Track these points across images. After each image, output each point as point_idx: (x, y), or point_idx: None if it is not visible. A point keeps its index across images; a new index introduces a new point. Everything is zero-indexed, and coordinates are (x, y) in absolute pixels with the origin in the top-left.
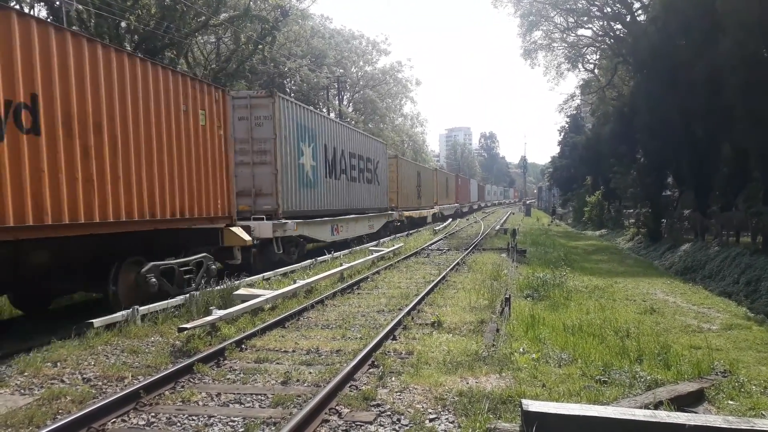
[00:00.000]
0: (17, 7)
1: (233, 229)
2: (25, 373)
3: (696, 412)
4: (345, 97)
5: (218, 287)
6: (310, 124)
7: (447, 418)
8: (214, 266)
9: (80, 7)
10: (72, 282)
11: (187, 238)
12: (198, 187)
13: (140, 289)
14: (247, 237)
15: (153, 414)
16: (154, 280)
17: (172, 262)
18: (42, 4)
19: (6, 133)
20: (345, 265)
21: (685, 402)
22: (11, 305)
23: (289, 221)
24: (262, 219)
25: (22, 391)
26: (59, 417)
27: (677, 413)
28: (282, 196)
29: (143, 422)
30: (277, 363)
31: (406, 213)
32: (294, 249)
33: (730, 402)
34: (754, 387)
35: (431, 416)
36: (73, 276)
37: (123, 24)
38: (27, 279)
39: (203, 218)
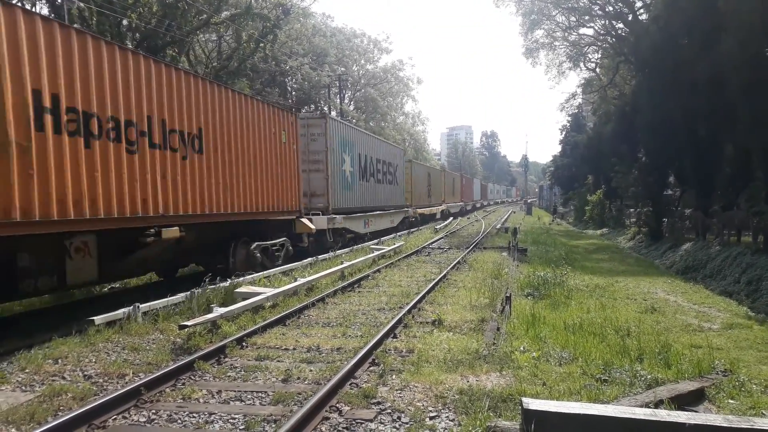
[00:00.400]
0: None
1: (303, 220)
2: (27, 370)
3: (696, 411)
4: (346, 95)
5: (222, 284)
6: (349, 137)
7: (447, 416)
8: (290, 248)
9: (82, 5)
10: (206, 256)
11: (272, 227)
12: (281, 189)
13: (249, 260)
14: (312, 226)
15: (154, 411)
16: (258, 254)
17: (267, 243)
18: (44, 1)
19: (188, 153)
20: (346, 264)
21: (685, 401)
22: (156, 273)
23: (337, 216)
24: (318, 214)
25: (23, 387)
26: (60, 414)
27: (678, 412)
28: (331, 197)
29: (144, 419)
30: (278, 361)
31: (419, 210)
32: (339, 238)
33: (731, 401)
34: (754, 386)
35: (431, 414)
36: (207, 251)
37: (125, 22)
38: (182, 253)
39: (283, 212)
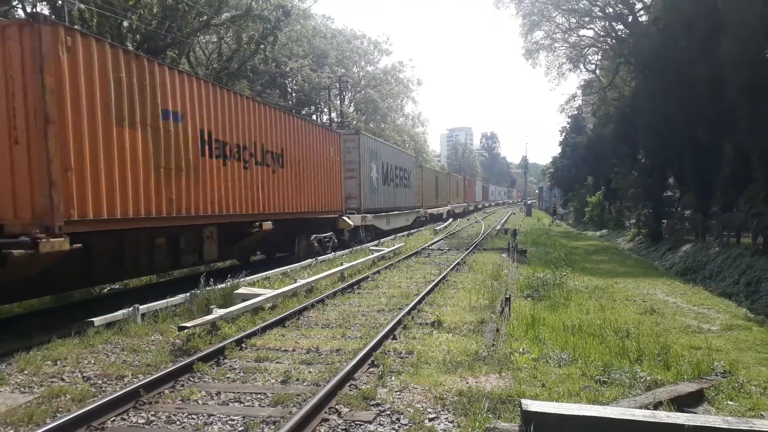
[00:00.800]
0: (19, 6)
1: (344, 218)
2: (25, 371)
3: (695, 413)
4: (346, 96)
5: (219, 286)
6: (375, 149)
7: (446, 418)
8: (336, 240)
9: (82, 6)
10: (278, 246)
11: (322, 223)
12: (330, 193)
13: (309, 249)
14: (351, 223)
15: (153, 413)
16: (315, 244)
17: (321, 235)
18: (44, 3)
19: (266, 166)
20: (345, 265)
21: (684, 402)
22: (237, 258)
23: (368, 215)
24: (354, 213)
25: (22, 389)
26: (59, 415)
27: (677, 413)
28: (362, 199)
29: (143, 421)
30: (277, 362)
31: (429, 210)
32: (368, 234)
33: (730, 402)
34: (753, 388)
35: (431, 416)
36: (281, 241)
37: (125, 23)
38: (266, 242)
39: (331, 211)
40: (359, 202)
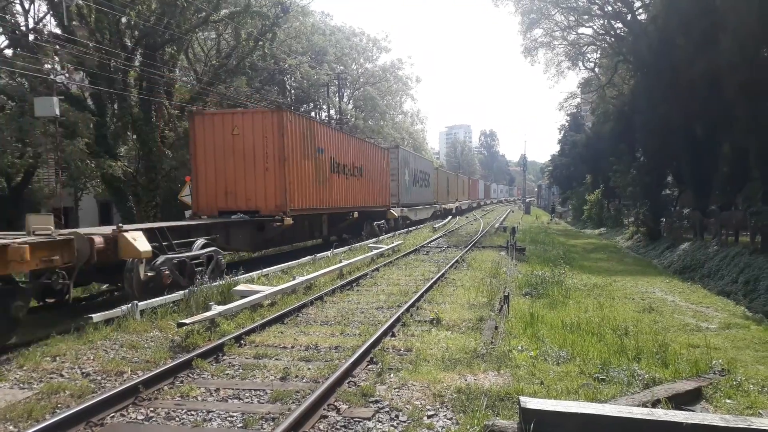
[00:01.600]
0: (17, 2)
1: (391, 210)
2: (24, 368)
3: (693, 411)
4: (345, 94)
5: (218, 283)
6: (407, 158)
7: (445, 415)
8: (386, 226)
9: (80, 2)
10: (352, 231)
11: (378, 213)
12: (382, 192)
13: (371, 232)
14: (397, 214)
15: (152, 409)
16: (377, 229)
17: (378, 222)
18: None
19: (355, 176)
20: (344, 262)
21: (682, 400)
22: (336, 236)
23: (404, 208)
24: (395, 207)
25: (21, 385)
26: (58, 411)
27: (675, 411)
28: (399, 196)
29: (142, 417)
30: (276, 359)
31: (443, 205)
32: (403, 223)
33: (728, 401)
34: (751, 386)
35: (429, 413)
36: (356, 226)
37: (123, 19)
38: (348, 227)
39: (383, 206)
40: (397, 199)
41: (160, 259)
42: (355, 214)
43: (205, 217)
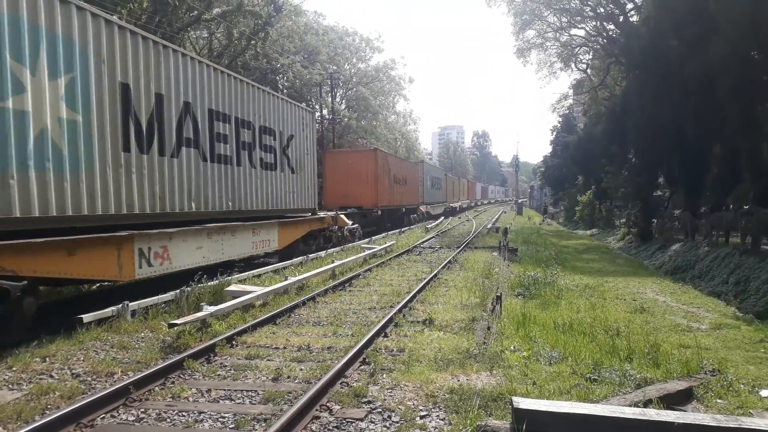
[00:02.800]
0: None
1: (420, 207)
2: (14, 368)
3: (685, 411)
4: (338, 93)
5: (209, 283)
6: (428, 169)
7: (438, 415)
8: (417, 218)
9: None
10: (400, 220)
11: (412, 209)
12: (415, 194)
13: (410, 222)
14: (423, 210)
15: (142, 410)
16: (412, 219)
17: (412, 216)
18: None
19: (403, 185)
20: (337, 263)
21: (674, 400)
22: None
23: (427, 206)
24: (422, 205)
25: (11, 386)
26: (48, 412)
27: (666, 411)
28: (424, 197)
29: (133, 418)
30: (268, 359)
31: (450, 204)
32: (427, 216)
33: (719, 400)
34: (742, 386)
35: (422, 413)
36: (401, 218)
37: (115, 18)
38: (398, 218)
39: (415, 203)
40: (423, 199)
41: (351, 227)
42: (403, 209)
43: (333, 210)
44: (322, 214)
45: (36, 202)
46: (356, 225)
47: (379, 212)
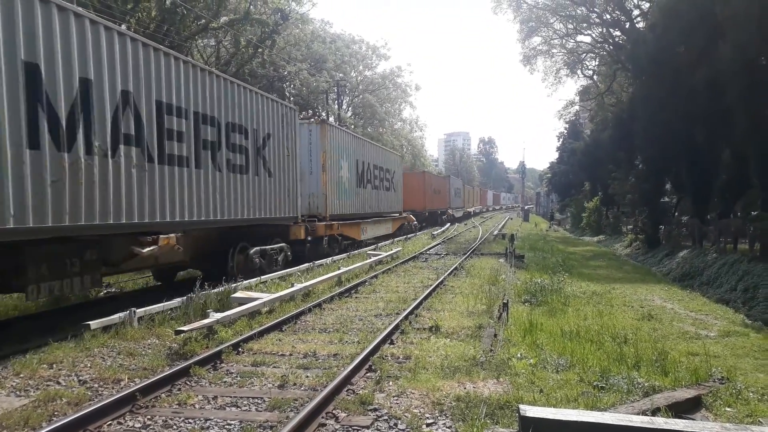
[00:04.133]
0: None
1: (449, 210)
2: (21, 375)
3: (693, 419)
4: (344, 101)
5: (215, 290)
6: (453, 181)
7: (444, 423)
8: (447, 218)
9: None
10: (435, 220)
11: (443, 212)
12: (444, 201)
13: (443, 222)
14: (450, 213)
15: (149, 416)
16: (444, 219)
17: (443, 217)
18: None
19: (439, 195)
20: (343, 269)
21: (682, 408)
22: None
23: (452, 209)
24: (449, 209)
25: (18, 392)
26: (55, 419)
27: (674, 420)
28: (450, 203)
29: (139, 425)
30: (274, 366)
31: (466, 209)
32: (453, 218)
33: (728, 409)
34: (751, 394)
35: (428, 421)
36: (436, 219)
37: (123, 26)
38: (434, 220)
39: (445, 208)
40: (450, 204)
41: (415, 222)
42: (438, 212)
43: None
44: (404, 214)
45: None
46: (416, 222)
47: (427, 213)
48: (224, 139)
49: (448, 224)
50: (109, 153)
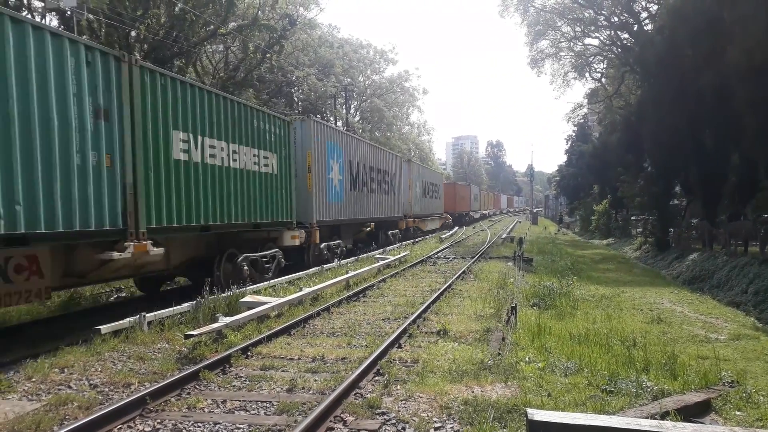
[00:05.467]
0: (29, 16)
1: (470, 213)
2: (33, 379)
3: (703, 423)
4: (352, 105)
5: (224, 294)
6: (473, 188)
7: (452, 427)
8: (471, 217)
9: (91, 17)
10: (456, 220)
11: (464, 214)
12: (467, 204)
13: (468, 222)
14: (472, 214)
15: (159, 420)
16: (468, 219)
17: (467, 218)
18: (53, 14)
19: (465, 200)
20: (351, 273)
21: (691, 412)
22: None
23: (472, 211)
24: (471, 211)
25: (30, 396)
26: (66, 423)
27: (684, 424)
28: (471, 206)
29: (149, 429)
30: (283, 370)
31: (482, 211)
32: (475, 218)
33: (738, 413)
34: (761, 398)
35: (436, 425)
36: (465, 218)
37: (133, 33)
38: (466, 219)
39: (467, 210)
40: (471, 207)
41: (450, 221)
42: (463, 213)
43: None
44: (445, 215)
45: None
46: (451, 220)
47: (457, 214)
48: (376, 176)
49: (456, 228)
50: (361, 189)
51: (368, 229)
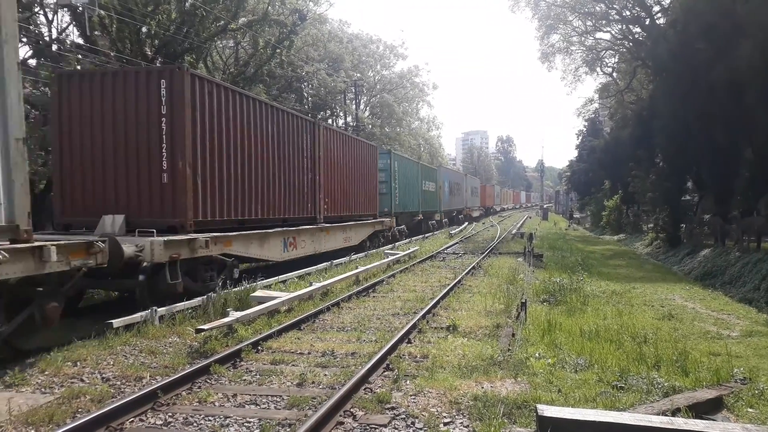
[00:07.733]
0: (41, 13)
1: (494, 206)
2: (46, 372)
3: (714, 420)
4: (362, 101)
5: (235, 289)
6: (495, 186)
7: (461, 422)
8: (491, 210)
9: (102, 13)
10: (485, 213)
11: (490, 208)
12: (490, 199)
13: (486, 214)
14: (495, 208)
15: (170, 414)
16: (490, 213)
17: (490, 211)
18: (65, 10)
19: (488, 196)
20: (360, 268)
21: (703, 409)
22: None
23: (496, 205)
24: (491, 206)
25: (43, 389)
26: (78, 416)
27: (695, 420)
28: (484, 201)
29: (161, 422)
30: (293, 365)
31: (501, 206)
32: (495, 212)
33: (750, 410)
34: None
35: (446, 420)
36: (484, 212)
37: (144, 29)
38: (485, 212)
39: (491, 206)
40: (494, 202)
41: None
42: (489, 207)
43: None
44: (481, 207)
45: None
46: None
47: (485, 209)
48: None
49: (466, 223)
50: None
51: (419, 218)
